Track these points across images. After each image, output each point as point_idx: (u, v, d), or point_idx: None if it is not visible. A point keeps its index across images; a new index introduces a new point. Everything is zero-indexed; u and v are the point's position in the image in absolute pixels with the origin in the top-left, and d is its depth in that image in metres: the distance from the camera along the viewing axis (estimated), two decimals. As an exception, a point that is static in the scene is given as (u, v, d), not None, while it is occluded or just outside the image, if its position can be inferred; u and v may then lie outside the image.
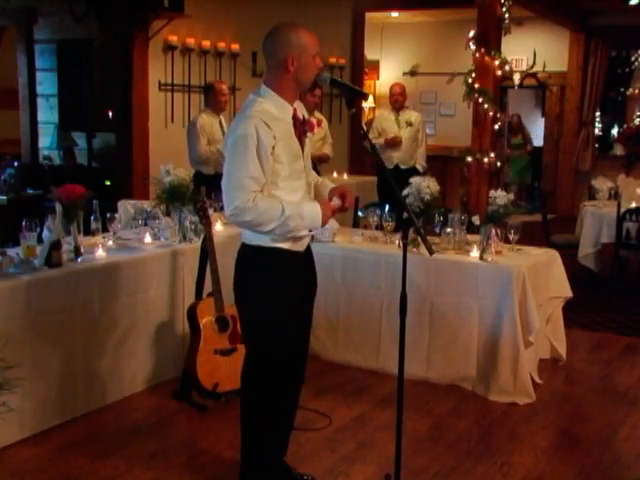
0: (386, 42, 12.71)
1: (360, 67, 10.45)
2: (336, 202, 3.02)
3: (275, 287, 2.97)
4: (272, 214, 2.83)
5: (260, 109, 2.87)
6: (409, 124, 7.59)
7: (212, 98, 6.38)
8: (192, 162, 6.34)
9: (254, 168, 2.81)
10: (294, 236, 2.95)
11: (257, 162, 2.81)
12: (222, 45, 8.06)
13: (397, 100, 7.64)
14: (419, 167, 7.59)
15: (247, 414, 3.12)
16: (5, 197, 6.94)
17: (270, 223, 2.84)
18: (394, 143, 7.46)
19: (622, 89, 11.70)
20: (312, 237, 3.17)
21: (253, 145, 2.80)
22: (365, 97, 3.43)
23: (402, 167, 7.52)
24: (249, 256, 3.00)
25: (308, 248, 3.13)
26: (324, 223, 2.99)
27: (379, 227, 5.00)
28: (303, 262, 3.09)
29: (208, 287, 4.21)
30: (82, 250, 4.06)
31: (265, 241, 2.93)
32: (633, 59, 11.46)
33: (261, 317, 3.00)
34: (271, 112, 2.89)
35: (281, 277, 2.98)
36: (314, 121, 3.17)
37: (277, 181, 2.89)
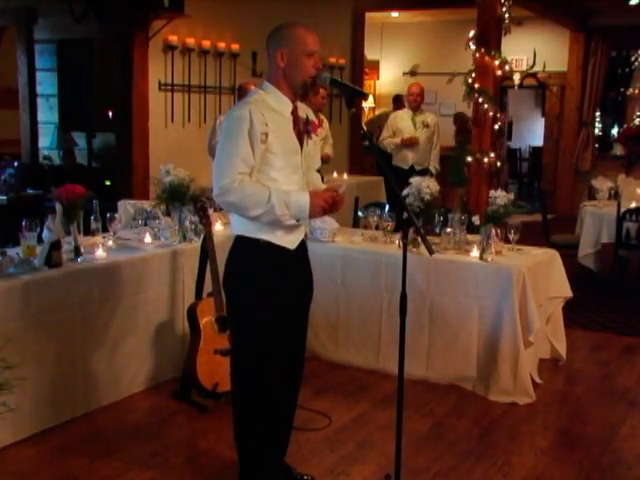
0: (386, 42, 12.72)
1: (360, 67, 10.45)
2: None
3: (257, 279, 2.95)
4: (258, 199, 2.81)
5: (258, 98, 2.92)
6: (425, 125, 7.59)
7: (242, 99, 6.51)
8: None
9: (244, 150, 2.82)
10: (282, 225, 2.89)
11: (248, 144, 2.82)
12: (222, 45, 8.06)
13: (415, 100, 7.63)
14: (432, 169, 7.58)
15: (239, 414, 3.10)
16: (5, 197, 6.93)
17: (255, 208, 2.82)
18: (411, 143, 7.46)
19: (622, 89, 11.70)
20: (305, 236, 3.13)
21: (246, 128, 2.82)
22: (365, 97, 3.42)
23: (417, 168, 7.52)
24: (235, 246, 3.02)
25: (302, 249, 3.09)
26: (315, 215, 2.92)
27: (378, 227, 5.00)
28: (293, 261, 3.04)
29: (208, 287, 4.21)
30: (82, 250, 4.06)
31: (250, 231, 2.93)
32: (633, 59, 11.45)
33: (246, 313, 2.98)
34: (269, 103, 2.92)
35: (264, 270, 2.96)
36: (317, 122, 3.17)
37: (270, 172, 2.89)
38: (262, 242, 2.94)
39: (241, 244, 2.99)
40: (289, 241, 3.00)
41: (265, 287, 2.96)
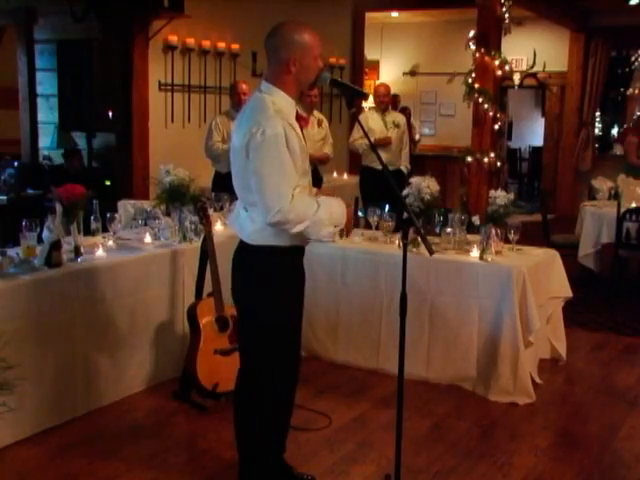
0: (386, 42, 12.72)
1: (360, 67, 10.45)
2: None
3: (288, 286, 2.96)
4: (307, 212, 2.81)
5: (277, 108, 2.85)
6: (396, 125, 7.54)
7: (233, 97, 6.63)
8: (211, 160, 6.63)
9: (290, 168, 2.79)
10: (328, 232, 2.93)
11: (290, 162, 2.79)
12: (222, 45, 8.07)
13: (382, 101, 7.57)
14: (403, 168, 7.54)
15: (244, 416, 3.10)
16: (5, 197, 6.94)
17: (304, 222, 2.81)
18: (385, 143, 7.37)
19: (622, 89, 11.71)
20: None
21: (284, 145, 2.77)
22: (365, 97, 3.42)
23: (391, 168, 7.44)
24: (258, 257, 2.94)
25: None
26: (344, 221, 2.99)
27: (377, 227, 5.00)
28: (300, 259, 3.08)
29: (208, 287, 4.21)
30: (82, 250, 4.06)
31: (278, 240, 2.89)
32: (633, 59, 11.47)
33: (271, 318, 2.95)
34: (282, 109, 2.87)
35: (292, 276, 2.98)
36: (312, 119, 3.18)
37: None
38: (286, 248, 2.92)
39: (263, 253, 2.92)
40: (304, 240, 3.01)
41: (290, 290, 2.97)
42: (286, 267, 2.96)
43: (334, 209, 2.91)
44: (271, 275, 2.94)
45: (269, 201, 2.78)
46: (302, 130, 3.01)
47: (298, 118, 3.00)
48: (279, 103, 2.88)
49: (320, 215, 2.83)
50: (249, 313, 3.02)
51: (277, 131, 2.77)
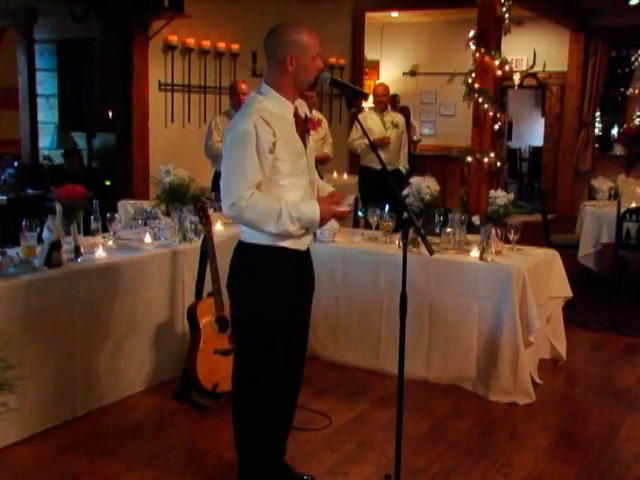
0: (386, 42, 12.73)
1: (360, 67, 10.45)
2: (344, 205, 3.01)
3: (275, 286, 2.95)
4: (269, 215, 2.81)
5: (260, 107, 2.87)
6: (395, 125, 7.53)
7: (233, 97, 6.63)
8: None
9: (252, 165, 2.80)
10: (292, 235, 2.93)
11: (256, 159, 2.80)
12: (222, 45, 8.07)
13: (381, 101, 7.56)
14: (402, 169, 7.52)
15: (241, 416, 3.10)
16: (5, 197, 6.95)
17: (268, 222, 2.82)
18: (383, 144, 7.35)
19: (622, 89, 11.72)
20: (314, 236, 3.14)
21: (252, 142, 2.79)
22: (365, 97, 3.43)
23: (389, 168, 7.41)
24: (248, 255, 2.98)
25: (307, 248, 3.11)
26: (323, 223, 2.97)
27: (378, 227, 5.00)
28: (303, 261, 3.08)
29: (208, 287, 4.21)
30: (82, 250, 4.06)
31: (267, 240, 2.90)
32: (633, 59, 11.47)
33: (259, 317, 2.96)
34: (271, 110, 2.88)
35: (282, 276, 2.96)
36: (316, 119, 3.17)
37: (278, 179, 2.87)
38: (280, 249, 2.92)
39: (254, 251, 2.94)
40: (301, 243, 3.01)
41: (280, 291, 2.96)
42: (279, 267, 2.95)
43: (303, 215, 2.86)
44: (263, 274, 2.95)
45: (226, 193, 2.84)
46: (308, 132, 3.02)
47: (306, 120, 3.00)
48: (267, 103, 2.89)
49: (284, 219, 2.81)
50: (240, 310, 3.05)
51: (247, 128, 2.80)
